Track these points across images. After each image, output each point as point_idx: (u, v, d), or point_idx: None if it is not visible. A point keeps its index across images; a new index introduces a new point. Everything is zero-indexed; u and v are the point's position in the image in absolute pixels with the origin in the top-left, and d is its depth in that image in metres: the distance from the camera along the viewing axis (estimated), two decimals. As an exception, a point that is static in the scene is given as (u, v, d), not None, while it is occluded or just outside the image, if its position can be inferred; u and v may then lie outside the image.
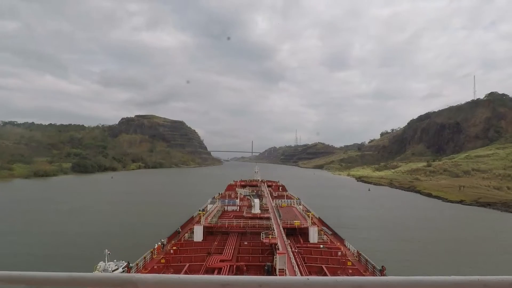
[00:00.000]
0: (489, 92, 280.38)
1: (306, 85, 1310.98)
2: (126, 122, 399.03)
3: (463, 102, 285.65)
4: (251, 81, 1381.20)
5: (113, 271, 31.86)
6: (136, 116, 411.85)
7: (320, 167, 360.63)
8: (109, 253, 33.14)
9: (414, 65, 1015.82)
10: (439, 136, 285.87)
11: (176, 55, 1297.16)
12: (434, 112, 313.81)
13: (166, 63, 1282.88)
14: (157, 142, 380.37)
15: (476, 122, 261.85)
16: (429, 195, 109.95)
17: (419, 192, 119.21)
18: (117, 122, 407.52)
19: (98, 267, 32.73)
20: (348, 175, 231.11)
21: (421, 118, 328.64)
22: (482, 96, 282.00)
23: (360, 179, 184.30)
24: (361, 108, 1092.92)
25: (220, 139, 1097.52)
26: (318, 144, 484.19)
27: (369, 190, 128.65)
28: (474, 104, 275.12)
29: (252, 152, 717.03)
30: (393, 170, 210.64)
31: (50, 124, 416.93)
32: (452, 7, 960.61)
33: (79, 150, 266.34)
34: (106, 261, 32.88)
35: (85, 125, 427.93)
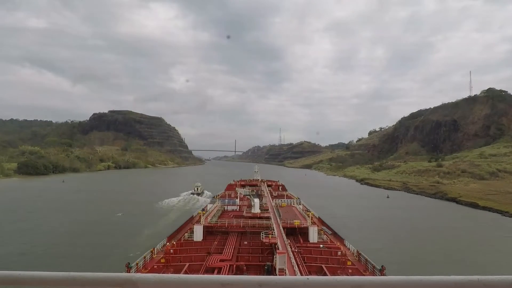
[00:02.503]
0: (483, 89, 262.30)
1: (306, 86, 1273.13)
2: (98, 118, 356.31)
3: (459, 99, 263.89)
4: (256, 82, 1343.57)
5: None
6: (110, 111, 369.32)
7: (308, 166, 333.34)
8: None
9: (417, 66, 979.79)
10: (434, 134, 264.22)
11: (189, 54, 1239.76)
12: (428, 109, 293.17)
13: (177, 62, 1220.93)
14: (133, 139, 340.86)
15: (475, 119, 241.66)
16: (473, 205, 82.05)
17: (453, 200, 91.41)
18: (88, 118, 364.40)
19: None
20: (345, 176, 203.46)
21: (413, 116, 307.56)
22: (477, 94, 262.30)
23: (363, 181, 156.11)
24: (352, 108, 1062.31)
25: (204, 138, 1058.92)
26: (304, 143, 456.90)
27: (387, 197, 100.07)
28: (472, 100, 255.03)
29: (235, 151, 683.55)
30: (395, 171, 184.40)
31: (12, 119, 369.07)
32: (466, 13, 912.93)
33: (37, 147, 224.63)
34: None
35: (52, 121, 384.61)
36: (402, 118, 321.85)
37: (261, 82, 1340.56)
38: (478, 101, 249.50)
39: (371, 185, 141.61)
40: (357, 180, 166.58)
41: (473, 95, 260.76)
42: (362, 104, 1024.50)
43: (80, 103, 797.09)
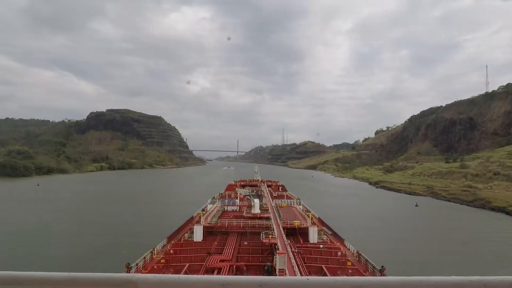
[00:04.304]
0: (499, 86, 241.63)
1: (320, 87, 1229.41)
2: (95, 117, 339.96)
3: (475, 95, 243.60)
4: (274, 84, 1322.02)
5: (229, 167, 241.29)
6: (108, 110, 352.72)
7: (313, 167, 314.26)
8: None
9: (439, 66, 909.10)
10: (448, 133, 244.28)
11: (213, 56, 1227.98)
12: (440, 107, 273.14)
13: (198, 64, 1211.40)
14: (131, 139, 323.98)
15: (493, 117, 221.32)
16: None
17: (501, 210, 72.61)
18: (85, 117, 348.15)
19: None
20: (354, 177, 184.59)
21: (424, 114, 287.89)
22: (495, 89, 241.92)
23: (378, 184, 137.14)
24: (363, 108, 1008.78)
25: (211, 139, 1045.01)
26: (308, 143, 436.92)
27: (416, 205, 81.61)
28: (489, 96, 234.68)
29: (237, 152, 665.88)
30: (410, 172, 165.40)
31: (7, 118, 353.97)
32: (499, 10, 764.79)
33: (25, 147, 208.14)
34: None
35: (50, 120, 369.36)
36: (411, 117, 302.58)
37: (278, 84, 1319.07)
38: (497, 97, 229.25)
39: (389, 189, 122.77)
40: (370, 183, 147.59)
41: (490, 91, 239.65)
42: (374, 104, 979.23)
43: (96, 104, 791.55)
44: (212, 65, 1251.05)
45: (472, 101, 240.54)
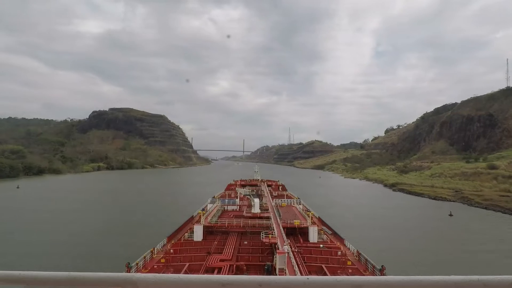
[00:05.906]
0: None
1: (337, 85, 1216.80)
2: (97, 116, 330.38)
3: (495, 90, 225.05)
4: (293, 84, 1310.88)
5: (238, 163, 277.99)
6: (110, 109, 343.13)
7: (320, 167, 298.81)
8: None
9: (463, 64, 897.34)
10: (465, 131, 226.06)
11: (237, 57, 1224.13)
12: (456, 103, 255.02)
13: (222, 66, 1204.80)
14: (133, 138, 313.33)
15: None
16: None
17: None
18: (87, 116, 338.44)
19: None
20: (366, 178, 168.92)
21: (438, 111, 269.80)
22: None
23: (395, 187, 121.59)
24: (377, 107, 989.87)
25: (221, 140, 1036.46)
26: (315, 142, 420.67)
27: (450, 215, 66.56)
28: (510, 92, 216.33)
29: (243, 151, 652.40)
30: (427, 173, 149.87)
31: (10, 117, 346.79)
32: None
33: (20, 146, 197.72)
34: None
35: (53, 119, 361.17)
36: (424, 114, 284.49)
37: (296, 83, 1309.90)
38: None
39: (409, 192, 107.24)
40: (385, 185, 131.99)
41: (511, 86, 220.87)
42: (391, 102, 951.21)
43: (116, 105, 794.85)
44: (235, 65, 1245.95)
45: (491, 97, 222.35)
